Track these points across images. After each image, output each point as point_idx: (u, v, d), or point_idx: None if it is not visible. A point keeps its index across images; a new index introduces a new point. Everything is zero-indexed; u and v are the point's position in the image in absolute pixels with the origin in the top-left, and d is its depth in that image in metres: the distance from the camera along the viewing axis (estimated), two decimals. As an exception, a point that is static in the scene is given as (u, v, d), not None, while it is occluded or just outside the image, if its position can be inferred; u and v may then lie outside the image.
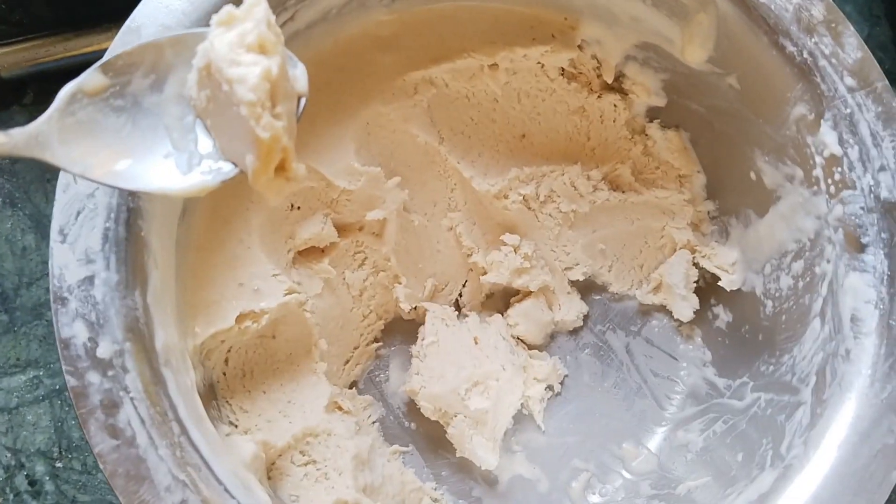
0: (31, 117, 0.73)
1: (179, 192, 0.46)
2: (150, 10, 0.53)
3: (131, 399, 0.48)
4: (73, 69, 0.74)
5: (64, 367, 0.47)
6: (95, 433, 0.47)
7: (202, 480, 0.48)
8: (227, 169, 0.47)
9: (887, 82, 0.56)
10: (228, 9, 0.44)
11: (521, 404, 0.70)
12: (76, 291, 0.49)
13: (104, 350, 0.48)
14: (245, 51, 0.43)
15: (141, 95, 0.47)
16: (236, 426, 0.61)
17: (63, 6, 0.73)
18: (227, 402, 0.62)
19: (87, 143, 0.45)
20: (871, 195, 0.54)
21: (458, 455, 0.67)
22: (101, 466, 0.46)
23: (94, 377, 0.48)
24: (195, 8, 0.53)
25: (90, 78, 0.45)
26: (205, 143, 0.47)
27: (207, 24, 0.52)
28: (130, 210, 0.50)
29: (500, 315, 0.73)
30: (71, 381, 0.47)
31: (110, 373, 0.48)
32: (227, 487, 0.48)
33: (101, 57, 0.52)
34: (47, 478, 0.68)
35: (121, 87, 0.46)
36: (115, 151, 0.46)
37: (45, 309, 0.71)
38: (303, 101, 0.48)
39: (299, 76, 0.47)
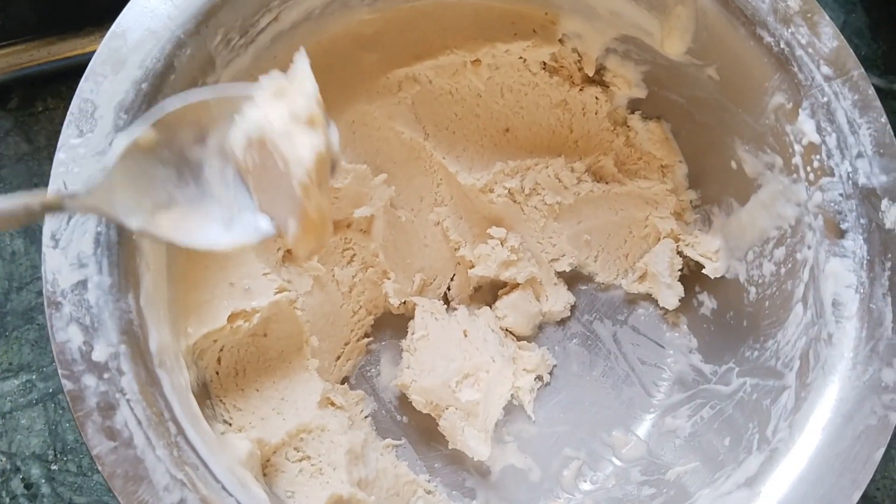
0: (17, 122, 0.75)
1: (224, 249, 0.49)
2: (135, 14, 0.54)
3: (127, 401, 0.48)
4: (58, 73, 0.75)
5: (60, 371, 0.48)
6: (93, 435, 0.47)
7: (200, 479, 0.48)
8: (266, 229, 0.48)
9: (863, 70, 0.57)
10: (280, 82, 0.47)
11: (512, 395, 0.70)
12: (70, 296, 0.49)
13: (99, 353, 0.48)
14: (298, 126, 0.45)
15: (186, 149, 0.48)
16: (230, 424, 0.61)
17: (46, 10, 0.73)
18: (220, 400, 0.62)
19: (139, 196, 0.46)
20: (850, 182, 0.55)
21: (450, 447, 0.68)
22: (100, 468, 0.47)
23: (90, 380, 0.48)
24: (180, 12, 0.54)
25: (145, 134, 0.46)
26: (244, 198, 0.48)
27: (192, 28, 0.54)
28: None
29: (488, 307, 0.74)
30: (67, 385, 0.48)
31: (106, 375, 0.48)
32: (225, 485, 0.49)
33: (85, 61, 0.53)
34: (43, 480, 0.68)
35: (168, 140, 0.47)
36: (163, 204, 0.47)
37: (36, 313, 0.71)
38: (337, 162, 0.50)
39: (334, 139, 0.48)
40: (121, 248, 0.50)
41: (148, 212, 0.46)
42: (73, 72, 0.74)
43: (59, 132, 0.73)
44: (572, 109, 0.73)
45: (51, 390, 0.70)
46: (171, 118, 0.47)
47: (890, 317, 0.53)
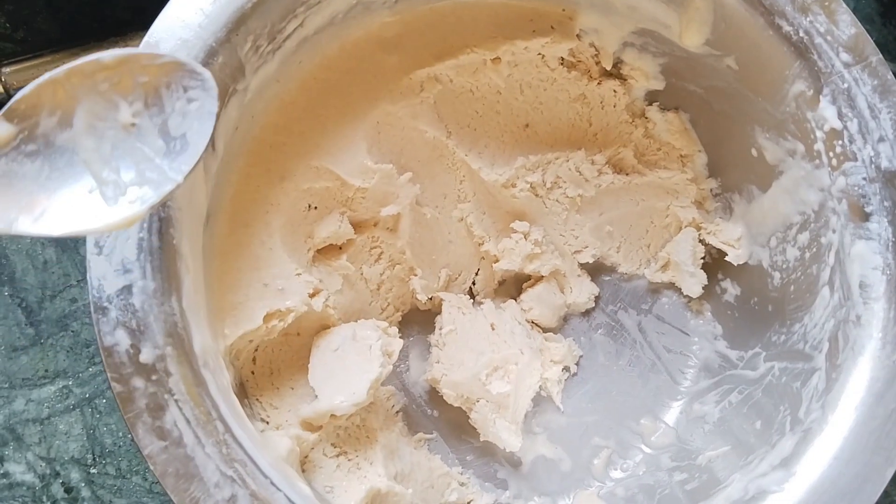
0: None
1: (109, 227, 0.45)
2: (167, 24, 0.54)
3: (176, 401, 0.49)
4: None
5: (109, 375, 0.49)
6: (144, 436, 0.49)
7: (249, 475, 0.49)
8: (152, 194, 0.46)
9: (881, 56, 0.58)
10: None
11: (540, 387, 0.71)
12: (115, 301, 0.50)
13: (147, 355, 0.50)
14: None
15: (52, 135, 0.45)
16: (268, 423, 0.62)
17: (68, 23, 0.74)
18: (257, 399, 0.63)
19: (7, 197, 0.44)
20: (872, 166, 0.56)
21: (481, 439, 0.69)
22: (152, 467, 0.48)
23: (138, 382, 0.49)
24: (211, 21, 0.55)
25: None
26: (127, 172, 0.46)
27: (223, 37, 0.55)
28: (162, 220, 0.52)
29: (513, 301, 0.75)
30: (117, 387, 0.49)
31: (154, 377, 0.49)
32: (273, 481, 0.50)
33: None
34: (83, 484, 0.69)
35: (29, 132, 0.45)
36: (37, 199, 0.45)
37: (70, 320, 0.72)
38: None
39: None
40: (163, 252, 0.51)
41: (24, 210, 0.44)
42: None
43: (85, 142, 0.74)
44: (591, 103, 0.74)
45: (87, 395, 0.71)
46: (21, 105, 0.44)
47: (917, 296, 0.54)
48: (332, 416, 0.62)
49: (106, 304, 0.50)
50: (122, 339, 0.50)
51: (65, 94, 0.45)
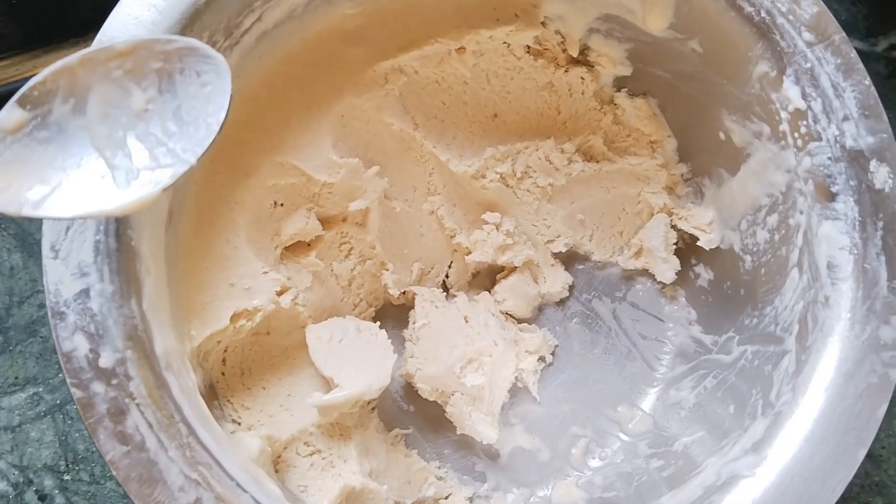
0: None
1: (121, 209, 0.46)
2: (120, 22, 0.54)
3: (137, 405, 0.49)
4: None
5: (68, 380, 0.48)
6: (105, 441, 0.48)
7: (214, 478, 0.49)
8: (166, 177, 0.47)
9: (844, 34, 0.57)
10: None
11: (516, 377, 0.71)
12: (73, 305, 0.49)
13: (106, 359, 0.49)
14: None
15: (65, 122, 0.46)
16: (239, 423, 0.62)
17: (29, 24, 0.74)
18: (228, 401, 0.63)
19: (19, 182, 0.45)
20: (837, 145, 0.56)
21: (458, 432, 0.69)
22: (114, 473, 0.48)
23: (98, 387, 0.48)
24: (164, 17, 0.54)
25: (9, 115, 0.45)
26: (140, 156, 0.47)
27: (177, 33, 0.54)
28: (119, 221, 0.51)
29: (487, 292, 0.74)
30: (77, 393, 0.48)
31: (114, 381, 0.49)
32: (239, 482, 0.50)
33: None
34: (56, 491, 0.69)
35: (42, 118, 0.46)
36: (50, 183, 0.45)
37: (39, 326, 0.71)
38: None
39: None
40: (121, 254, 0.51)
41: (36, 195, 0.45)
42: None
43: (49, 145, 0.74)
44: (559, 91, 0.73)
45: (58, 401, 0.70)
46: (35, 92, 0.45)
47: (885, 276, 0.54)
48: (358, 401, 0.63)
49: (63, 308, 0.49)
50: (80, 344, 0.49)
51: (78, 81, 0.46)
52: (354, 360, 0.65)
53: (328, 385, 0.64)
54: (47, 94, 0.46)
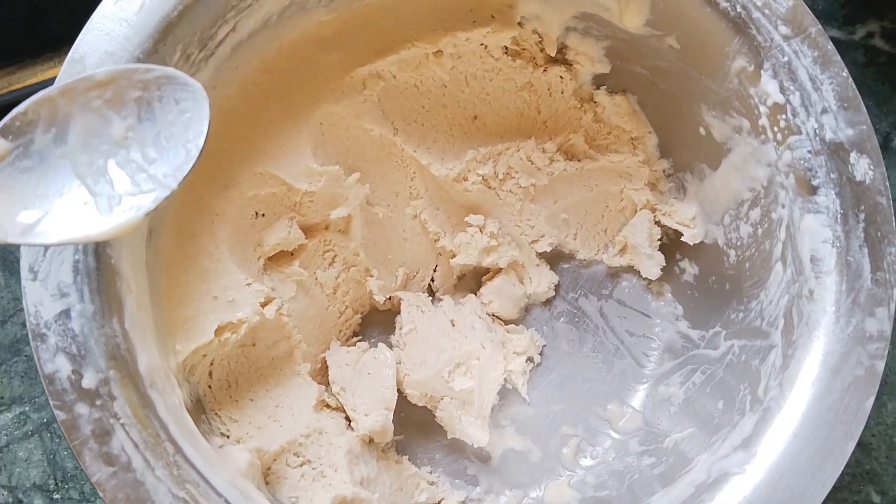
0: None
1: (105, 235, 0.47)
2: (92, 38, 0.53)
3: (122, 425, 0.48)
4: (19, 102, 0.74)
5: (51, 402, 0.48)
6: (91, 463, 0.48)
7: (202, 495, 0.49)
8: (148, 202, 0.47)
9: (820, 27, 0.57)
10: None
11: (505, 379, 0.71)
12: (54, 326, 0.49)
13: (89, 380, 0.49)
14: None
15: (46, 151, 0.47)
16: (228, 437, 0.62)
17: (1, 40, 0.73)
18: (216, 414, 0.62)
19: (3, 210, 0.45)
20: (817, 138, 0.56)
21: (449, 437, 0.68)
22: (101, 494, 0.47)
23: (82, 408, 0.48)
24: (136, 32, 0.54)
25: None
26: (121, 183, 0.48)
27: (150, 47, 0.53)
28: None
29: (473, 295, 0.74)
30: (60, 415, 0.48)
31: (98, 402, 0.48)
32: (228, 499, 0.49)
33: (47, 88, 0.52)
34: (47, 511, 0.68)
35: (24, 148, 0.46)
36: (34, 211, 0.46)
37: (23, 345, 0.71)
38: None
39: None
40: (100, 273, 0.50)
41: (18, 223, 0.45)
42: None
43: (27, 161, 0.73)
44: (538, 91, 0.73)
45: (45, 420, 0.70)
46: (16, 122, 0.46)
47: (868, 268, 0.54)
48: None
49: (44, 330, 0.49)
50: (62, 366, 0.49)
51: (59, 111, 0.47)
52: (366, 390, 0.66)
53: (317, 397, 0.64)
54: (28, 123, 0.46)
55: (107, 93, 0.48)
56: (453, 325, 0.70)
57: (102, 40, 0.53)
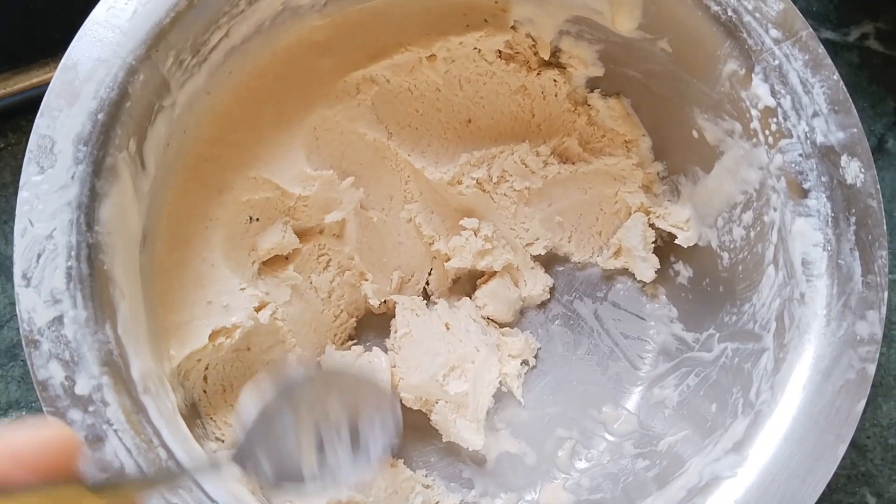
0: (-20, 161, 0.74)
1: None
2: (84, 45, 0.54)
3: (115, 431, 0.48)
4: (16, 108, 0.74)
5: (45, 409, 0.48)
6: (85, 469, 0.48)
7: (195, 501, 0.49)
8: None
9: (811, 30, 0.57)
10: None
11: (500, 382, 0.71)
12: (47, 333, 0.49)
13: (82, 387, 0.49)
14: None
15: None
16: (223, 441, 0.62)
17: (-3, 45, 0.73)
18: (210, 418, 0.63)
19: (275, 459, 0.46)
20: (808, 141, 0.56)
21: (444, 440, 0.69)
22: (95, 501, 0.47)
23: (75, 414, 0.48)
24: (129, 38, 0.54)
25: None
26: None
27: (142, 54, 0.54)
28: (91, 246, 0.51)
29: (467, 298, 0.74)
30: (53, 422, 0.48)
31: (91, 408, 0.49)
32: (221, 504, 0.50)
33: (43, 93, 0.52)
34: (43, 515, 0.68)
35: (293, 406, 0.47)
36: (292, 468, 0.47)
37: (19, 350, 0.71)
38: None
39: None
40: (93, 280, 0.51)
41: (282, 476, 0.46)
42: (31, 105, 0.73)
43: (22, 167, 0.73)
44: (532, 94, 0.73)
45: (42, 425, 0.70)
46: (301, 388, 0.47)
47: (859, 271, 0.54)
48: None
49: (37, 336, 0.49)
50: (56, 372, 0.49)
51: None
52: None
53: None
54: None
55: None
56: (448, 329, 0.71)
57: (95, 47, 0.53)
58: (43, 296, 0.50)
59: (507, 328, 0.74)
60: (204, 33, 0.58)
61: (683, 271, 0.72)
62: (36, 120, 0.52)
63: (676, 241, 0.71)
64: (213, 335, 0.60)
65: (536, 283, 0.75)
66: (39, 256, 0.50)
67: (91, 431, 0.48)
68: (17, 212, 0.51)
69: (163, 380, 0.55)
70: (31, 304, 0.50)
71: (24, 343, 0.49)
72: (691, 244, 0.70)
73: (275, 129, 0.66)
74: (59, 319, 0.49)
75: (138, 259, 0.57)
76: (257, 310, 0.63)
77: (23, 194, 0.51)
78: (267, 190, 0.65)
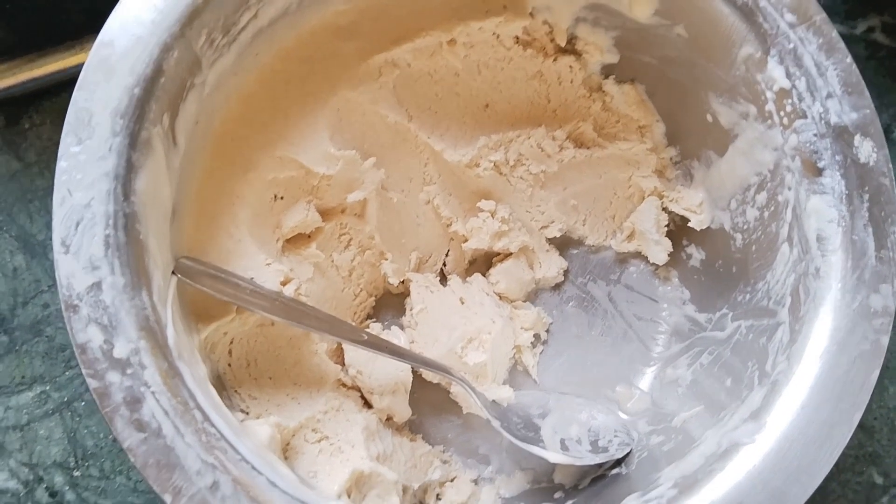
0: (5, 141, 0.76)
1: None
2: (121, 22, 0.55)
3: (152, 393, 0.50)
4: (42, 90, 0.76)
5: (84, 371, 0.49)
6: (122, 429, 0.49)
7: (230, 461, 0.50)
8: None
9: (825, 15, 0.59)
10: None
11: (515, 360, 0.73)
12: (86, 298, 0.50)
13: (120, 350, 0.50)
14: None
15: None
16: (248, 413, 0.63)
17: (23, 29, 0.74)
18: (235, 391, 0.64)
19: None
20: (822, 121, 0.58)
21: (464, 412, 0.70)
22: (132, 459, 0.49)
23: (114, 377, 0.50)
24: (164, 17, 0.55)
25: None
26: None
27: (177, 31, 0.55)
28: (127, 215, 0.52)
29: (479, 275, 0.76)
30: (92, 384, 0.49)
31: (129, 371, 0.50)
32: (255, 466, 0.51)
33: (68, 75, 0.53)
34: (67, 487, 0.70)
35: None
36: None
37: (44, 325, 0.72)
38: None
39: None
40: (130, 248, 0.52)
41: None
42: (56, 87, 0.75)
43: (47, 147, 0.75)
44: (548, 80, 0.75)
45: (66, 399, 0.71)
46: None
47: (872, 246, 0.56)
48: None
49: (76, 301, 0.50)
50: (94, 336, 0.50)
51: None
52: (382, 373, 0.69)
53: (334, 377, 0.66)
54: None
55: None
56: (462, 303, 0.72)
57: (131, 23, 0.55)
58: (81, 262, 0.51)
59: (519, 301, 0.75)
60: (235, 13, 0.60)
61: (696, 254, 0.74)
62: (74, 93, 0.53)
63: (689, 225, 0.72)
64: (240, 308, 0.62)
65: (551, 266, 0.76)
66: (78, 224, 0.51)
67: (129, 393, 0.49)
68: (55, 181, 0.52)
69: (193, 351, 0.56)
70: (70, 270, 0.51)
71: (63, 307, 0.50)
72: (704, 227, 0.72)
73: (299, 110, 0.68)
74: (97, 285, 0.51)
75: (169, 232, 0.58)
76: (283, 285, 0.64)
77: (61, 164, 0.52)
78: (292, 169, 0.67)
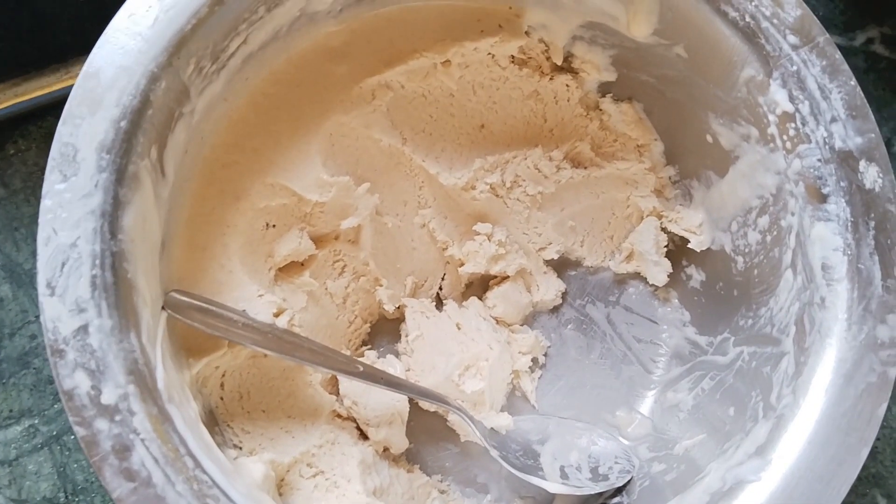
0: (-9, 167, 0.74)
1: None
2: (107, 52, 0.53)
3: (142, 440, 0.48)
4: (26, 113, 0.74)
5: (71, 419, 0.48)
6: (112, 478, 0.47)
7: (222, 508, 0.49)
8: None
9: (828, 36, 0.58)
10: None
11: (513, 386, 0.71)
12: (72, 342, 0.49)
13: (108, 396, 0.48)
14: None
15: None
16: (241, 448, 0.62)
17: (7, 52, 0.73)
18: (228, 425, 0.62)
19: None
20: (826, 146, 0.57)
21: (462, 440, 0.69)
22: (122, 510, 0.47)
23: (102, 424, 0.48)
24: (151, 46, 0.54)
25: None
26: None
27: (164, 61, 0.53)
28: (114, 254, 0.50)
29: (476, 298, 0.74)
30: (80, 431, 0.48)
31: (118, 417, 0.48)
32: (248, 512, 0.49)
33: (52, 99, 0.52)
34: (58, 523, 0.68)
35: None
36: None
37: (31, 357, 0.71)
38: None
39: None
40: (118, 288, 0.50)
41: None
42: (41, 111, 0.74)
43: (32, 173, 0.73)
44: (544, 99, 0.73)
45: (55, 433, 0.69)
46: None
47: (879, 275, 0.55)
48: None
49: (62, 346, 0.49)
50: (81, 382, 0.48)
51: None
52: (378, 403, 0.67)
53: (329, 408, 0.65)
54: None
55: None
56: (459, 328, 0.71)
57: (117, 54, 0.53)
58: (68, 305, 0.49)
59: (517, 325, 0.74)
60: (223, 40, 0.58)
61: (696, 275, 0.73)
62: (58, 128, 0.52)
63: (689, 246, 0.71)
64: (231, 342, 0.60)
65: (549, 288, 0.75)
66: (64, 265, 0.50)
67: (118, 441, 0.48)
68: (40, 220, 0.50)
69: (184, 387, 0.55)
70: (56, 314, 0.49)
71: (49, 353, 0.49)
72: (704, 248, 0.70)
73: (291, 135, 0.66)
74: (84, 329, 0.49)
75: (158, 266, 0.56)
76: (275, 316, 0.63)
77: (46, 203, 0.51)
78: (284, 196, 0.65)
